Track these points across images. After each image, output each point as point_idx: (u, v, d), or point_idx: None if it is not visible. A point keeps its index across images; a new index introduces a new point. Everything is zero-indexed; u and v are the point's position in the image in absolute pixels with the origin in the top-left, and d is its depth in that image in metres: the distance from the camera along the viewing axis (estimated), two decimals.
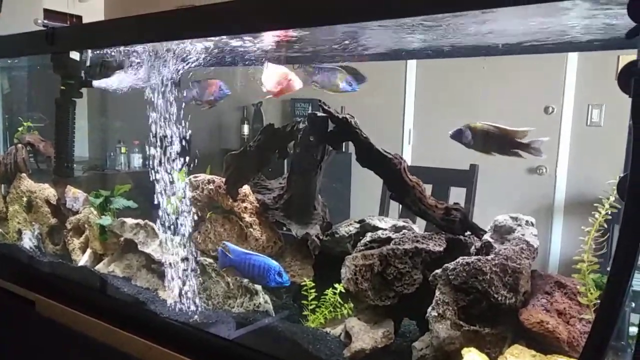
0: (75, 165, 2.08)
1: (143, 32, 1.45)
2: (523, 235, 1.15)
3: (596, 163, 3.28)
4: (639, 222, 0.73)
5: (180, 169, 1.46)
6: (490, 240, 1.17)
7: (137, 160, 4.36)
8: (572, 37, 1.25)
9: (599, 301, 0.93)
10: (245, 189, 1.57)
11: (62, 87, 1.86)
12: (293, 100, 4.47)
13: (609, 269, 0.77)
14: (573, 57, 3.34)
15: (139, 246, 1.61)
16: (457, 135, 1.22)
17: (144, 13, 1.38)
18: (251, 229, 1.52)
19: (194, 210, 1.49)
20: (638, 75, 0.71)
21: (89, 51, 1.74)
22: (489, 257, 1.07)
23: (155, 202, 1.46)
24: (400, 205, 1.35)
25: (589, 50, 1.44)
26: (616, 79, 0.76)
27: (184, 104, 1.44)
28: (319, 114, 1.38)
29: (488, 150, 1.21)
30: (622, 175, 0.76)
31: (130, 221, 1.67)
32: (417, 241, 1.21)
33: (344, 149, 2.96)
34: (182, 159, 1.45)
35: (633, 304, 0.96)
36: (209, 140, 4.73)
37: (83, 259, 1.77)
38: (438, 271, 1.10)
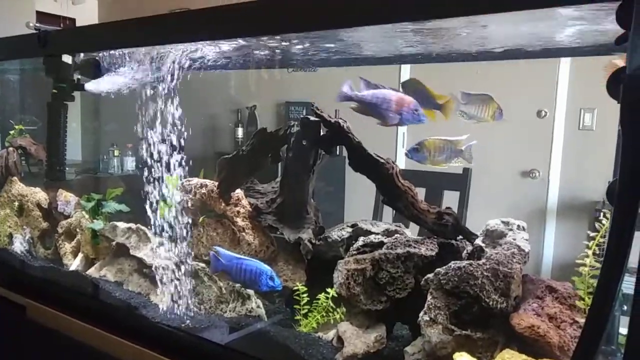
0: (67, 168, 2.07)
1: (137, 36, 1.45)
2: (514, 239, 1.16)
3: (588, 167, 3.30)
4: (628, 226, 0.73)
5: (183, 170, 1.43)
6: (482, 244, 1.17)
7: (130, 164, 4.34)
8: (564, 42, 1.27)
9: None
10: (238, 193, 1.57)
11: (54, 90, 1.85)
12: (287, 104, 4.48)
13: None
14: (565, 61, 3.37)
15: (130, 250, 1.60)
16: (414, 153, 1.26)
17: (138, 16, 1.38)
18: (244, 233, 1.52)
19: (186, 214, 1.48)
20: (626, 82, 0.72)
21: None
22: (481, 262, 1.08)
23: (146, 206, 1.45)
24: (393, 210, 1.35)
25: (580, 55, 1.45)
26: (605, 85, 0.77)
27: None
28: (312, 117, 1.38)
29: (438, 162, 1.27)
30: (611, 180, 0.77)
31: (122, 225, 1.66)
32: (409, 245, 1.22)
33: (337, 153, 2.96)
34: (175, 163, 1.45)
35: (625, 307, 0.97)
36: (203, 144, 4.72)
37: (74, 264, 1.76)
38: (430, 276, 1.10)
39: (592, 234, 1.02)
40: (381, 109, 1.24)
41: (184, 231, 1.44)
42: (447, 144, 1.26)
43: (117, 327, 1.42)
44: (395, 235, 1.32)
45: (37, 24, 1.74)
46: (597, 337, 0.76)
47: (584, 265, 1.02)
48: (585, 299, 1.03)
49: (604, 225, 1.00)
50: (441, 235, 1.27)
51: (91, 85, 1.70)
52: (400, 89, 1.27)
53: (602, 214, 1.01)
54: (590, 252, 1.01)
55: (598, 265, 1.01)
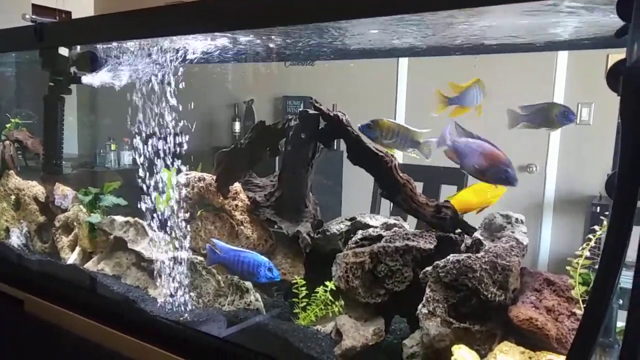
0: (64, 162, 2.06)
1: (132, 29, 1.44)
2: (513, 233, 1.16)
3: (585, 161, 3.31)
4: (626, 220, 0.73)
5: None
6: (481, 237, 1.17)
7: (127, 158, 4.32)
8: (562, 36, 1.26)
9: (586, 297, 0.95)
10: (236, 186, 1.57)
11: (51, 84, 1.84)
12: (285, 98, 4.46)
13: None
14: (563, 55, 3.37)
15: (128, 244, 1.60)
16: (365, 129, 1.27)
17: (134, 9, 1.37)
18: (242, 227, 1.52)
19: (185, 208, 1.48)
20: (626, 74, 0.72)
21: None
22: (479, 255, 1.08)
23: (144, 201, 1.45)
24: (392, 203, 1.35)
25: (578, 49, 1.45)
26: (605, 78, 0.77)
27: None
28: (311, 111, 1.37)
29: (390, 146, 1.27)
30: (610, 173, 0.77)
31: (119, 219, 1.66)
32: (408, 239, 1.22)
33: (335, 147, 2.94)
34: (173, 156, 1.44)
35: (621, 301, 0.97)
36: (200, 138, 4.71)
37: (72, 257, 1.76)
38: (428, 269, 1.11)
39: (597, 228, 1.02)
40: (470, 161, 1.15)
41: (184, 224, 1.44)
42: (403, 130, 1.24)
43: (115, 320, 1.42)
44: (394, 228, 1.32)
45: (34, 16, 1.72)
46: (595, 329, 0.77)
47: (580, 256, 1.02)
48: (577, 288, 1.03)
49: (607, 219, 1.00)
50: (440, 229, 1.28)
51: (89, 79, 1.69)
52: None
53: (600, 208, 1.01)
54: (589, 245, 1.02)
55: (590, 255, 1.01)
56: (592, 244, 1.00)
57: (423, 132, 1.26)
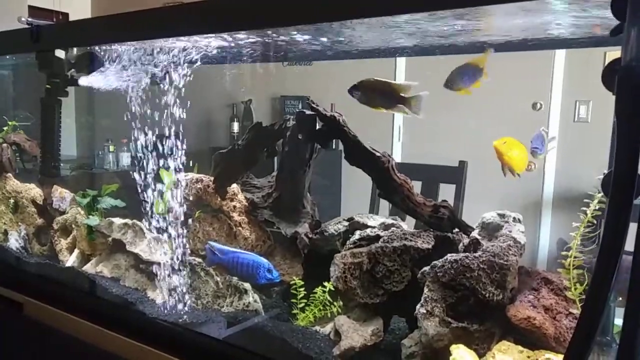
0: (62, 164, 2.06)
1: (130, 30, 1.44)
2: (510, 232, 1.16)
3: (584, 159, 3.30)
4: (622, 218, 0.73)
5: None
6: (478, 237, 1.17)
7: (125, 159, 4.32)
8: (560, 34, 1.26)
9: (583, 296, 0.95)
10: (234, 187, 1.57)
11: (48, 86, 1.84)
12: (283, 98, 4.47)
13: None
14: (561, 53, 3.37)
15: (127, 246, 1.59)
16: (351, 91, 1.25)
17: (131, 10, 1.37)
18: (240, 228, 1.52)
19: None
20: (621, 73, 0.72)
21: None
22: (477, 254, 1.08)
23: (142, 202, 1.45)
24: (390, 203, 1.35)
25: (576, 47, 1.45)
26: (601, 77, 0.77)
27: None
28: (307, 112, 1.37)
29: (376, 105, 1.23)
30: (606, 171, 0.77)
31: (118, 221, 1.66)
32: (406, 239, 1.22)
33: (333, 147, 2.94)
34: (171, 157, 1.44)
35: (620, 298, 0.97)
36: (198, 138, 4.71)
37: (70, 260, 1.75)
38: (426, 268, 1.11)
39: (575, 225, 1.02)
40: None
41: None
42: (385, 86, 1.21)
43: (114, 323, 1.42)
44: (392, 228, 1.32)
45: (30, 19, 1.71)
46: (593, 328, 0.77)
47: (569, 256, 1.03)
48: (572, 290, 1.03)
49: (587, 215, 1.01)
50: (437, 228, 1.28)
51: (87, 81, 1.69)
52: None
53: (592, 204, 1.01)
54: (574, 243, 1.02)
55: (581, 256, 1.01)
56: (575, 242, 1.01)
57: (409, 85, 1.21)
